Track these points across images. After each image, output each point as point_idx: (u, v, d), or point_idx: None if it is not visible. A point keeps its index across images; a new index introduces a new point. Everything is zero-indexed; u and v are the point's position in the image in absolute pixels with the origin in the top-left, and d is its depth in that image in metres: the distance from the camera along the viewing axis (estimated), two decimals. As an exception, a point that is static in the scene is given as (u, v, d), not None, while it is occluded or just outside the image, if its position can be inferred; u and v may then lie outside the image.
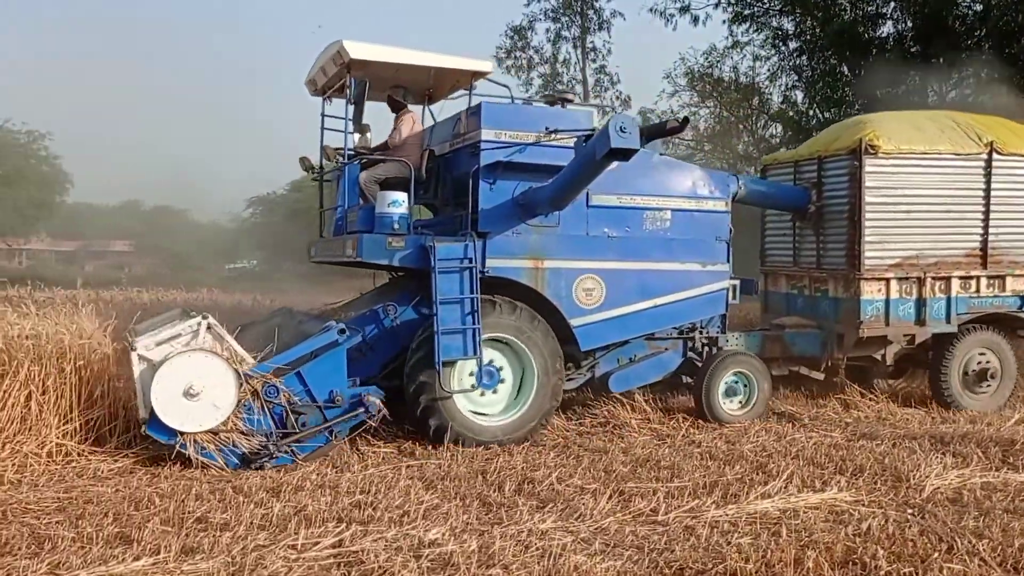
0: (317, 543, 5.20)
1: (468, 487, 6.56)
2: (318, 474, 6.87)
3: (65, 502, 6.04)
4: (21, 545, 5.12)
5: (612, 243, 8.87)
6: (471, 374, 8.09)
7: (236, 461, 7.05)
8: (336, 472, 6.97)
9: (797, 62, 23.27)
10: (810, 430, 8.82)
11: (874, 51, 20.79)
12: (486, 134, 8.34)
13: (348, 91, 8.62)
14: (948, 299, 10.00)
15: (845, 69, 21.80)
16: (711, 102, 30.18)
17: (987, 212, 10.16)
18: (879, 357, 10.20)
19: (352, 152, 8.84)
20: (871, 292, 9.81)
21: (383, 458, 7.57)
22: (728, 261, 9.37)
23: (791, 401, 10.31)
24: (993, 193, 10.17)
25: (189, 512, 5.74)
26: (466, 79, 9.20)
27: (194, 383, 6.96)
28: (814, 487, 6.51)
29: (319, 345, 7.53)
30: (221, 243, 47.81)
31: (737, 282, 9.57)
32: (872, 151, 9.72)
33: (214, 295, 18.37)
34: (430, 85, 9.60)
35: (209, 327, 7.31)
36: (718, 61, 29.07)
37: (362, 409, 7.56)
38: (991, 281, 10.19)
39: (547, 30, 32.20)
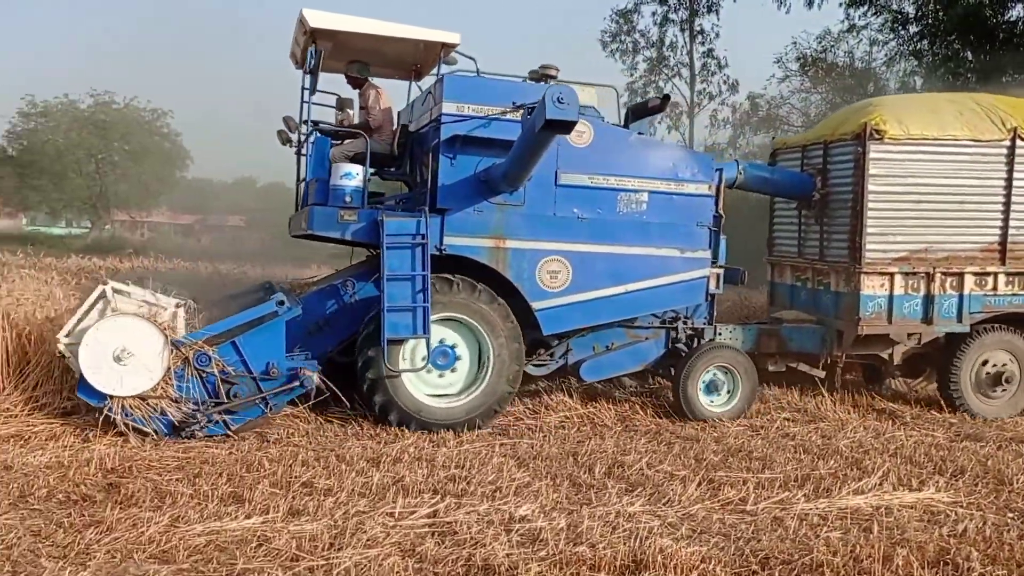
0: (413, 512, 5.46)
1: (559, 467, 6.72)
2: (415, 447, 7.15)
3: (184, 461, 6.48)
4: (145, 498, 5.54)
5: (581, 224, 8.45)
6: (423, 356, 7.94)
7: (166, 429, 7.09)
8: (432, 446, 7.23)
9: (917, 47, 22.33)
10: (911, 428, 8.63)
11: (1001, 36, 19.79)
12: (447, 107, 8.02)
13: (308, 61, 8.37)
14: (960, 297, 9.30)
15: (969, 55, 20.83)
16: (823, 88, 29.25)
17: (1008, 203, 9.29)
18: (886, 356, 9.70)
19: (313, 125, 8.61)
20: (872, 287, 9.20)
21: (478, 435, 7.80)
22: (709, 247, 8.86)
23: (891, 399, 10.07)
24: (1015, 183, 9.28)
25: (296, 477, 6.09)
26: (435, 51, 8.79)
27: (125, 347, 6.96)
28: (910, 486, 6.40)
29: (256, 316, 7.50)
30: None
31: (719, 271, 9.03)
32: (877, 136, 9.08)
33: (320, 270, 18.99)
34: (415, 59, 9.24)
35: (116, 291, 7.20)
36: (832, 45, 28.16)
37: (297, 383, 7.46)
38: (1010, 278, 9.41)
39: (653, 13, 31.79)
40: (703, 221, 8.83)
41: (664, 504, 5.84)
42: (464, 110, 8.00)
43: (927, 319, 9.31)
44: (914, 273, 9.23)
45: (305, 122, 8.54)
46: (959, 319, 9.37)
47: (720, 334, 9.34)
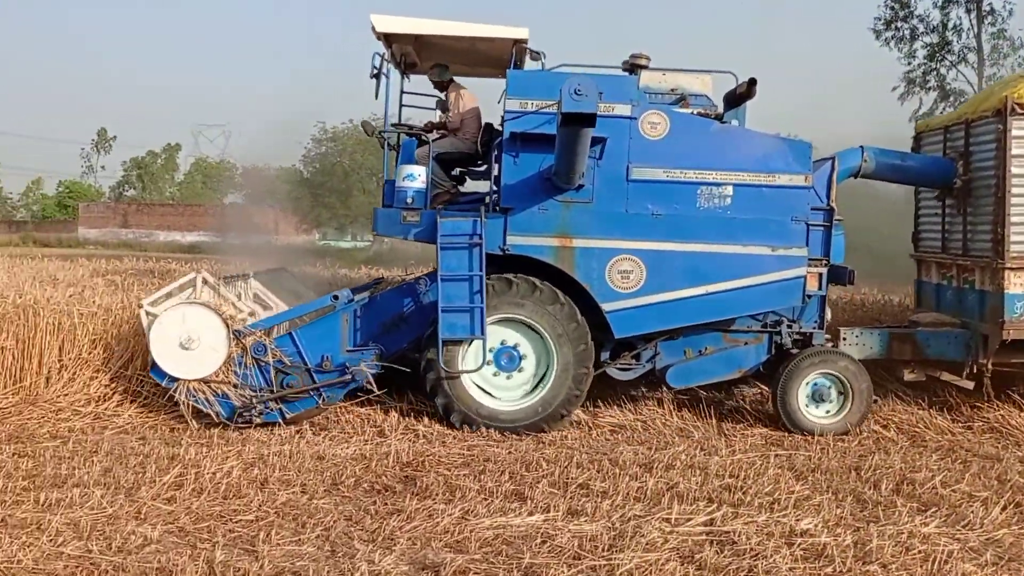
0: (689, 519, 5.46)
1: (841, 482, 6.43)
2: (687, 455, 7.12)
3: (468, 458, 6.92)
4: (437, 492, 5.99)
5: (656, 221, 7.89)
6: (488, 361, 7.84)
7: (226, 413, 7.50)
8: (704, 455, 7.18)
9: None
10: None
11: None
12: (510, 104, 7.79)
13: (383, 65, 8.27)
14: None
15: None
16: None
17: None
18: None
19: (392, 128, 8.58)
20: (1019, 285, 7.91)
21: (750, 444, 7.63)
22: (806, 244, 8.00)
23: None
24: None
25: (572, 478, 6.31)
26: (501, 48, 8.48)
27: (190, 334, 7.45)
28: None
29: (312, 309, 7.81)
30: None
31: (822, 270, 8.17)
32: (1021, 111, 7.78)
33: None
34: (494, 58, 8.79)
35: (204, 281, 7.75)
36: None
37: (349, 376, 7.65)
38: None
39: (935, -6, 29.29)
40: (799, 215, 8.01)
41: (963, 527, 5.41)
42: (527, 106, 7.72)
43: None
44: None
45: (369, 128, 8.63)
46: None
47: (844, 339, 8.53)
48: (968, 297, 8.70)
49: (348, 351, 7.90)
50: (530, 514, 5.53)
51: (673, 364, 8.33)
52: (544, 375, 7.92)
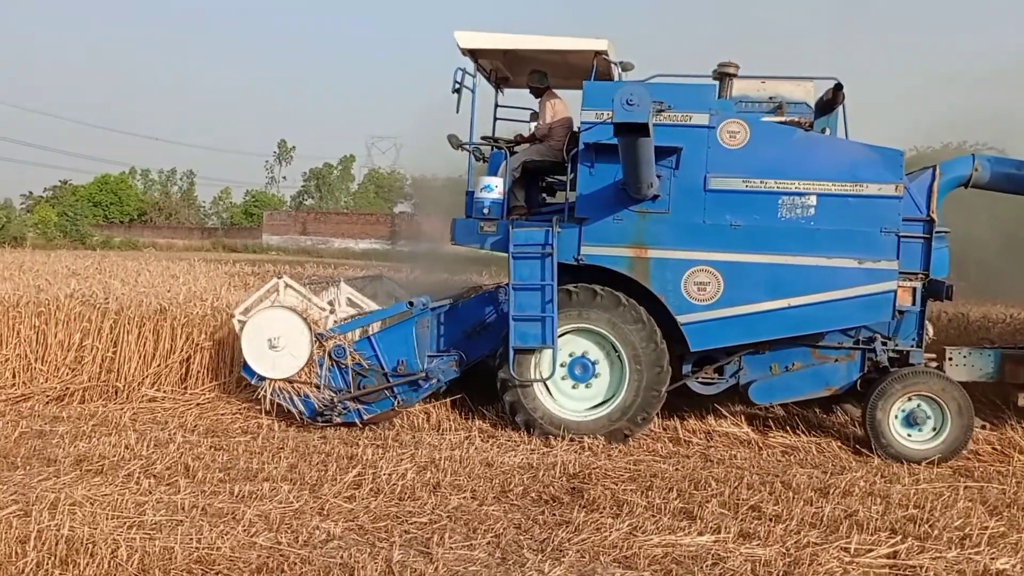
0: (871, 550, 5.21)
1: (1042, 519, 5.96)
2: (866, 480, 6.79)
3: (635, 473, 6.88)
4: (605, 505, 5.99)
5: (734, 232, 7.68)
6: (562, 365, 7.93)
7: (308, 412, 7.78)
8: (885, 482, 6.82)
9: None
10: None
11: None
12: (585, 115, 7.77)
13: (466, 80, 8.36)
14: None
15: None
16: None
17: None
18: None
19: (479, 143, 8.66)
20: None
21: (936, 474, 7.18)
22: (897, 257, 7.55)
23: None
24: None
25: (743, 500, 6.15)
26: (588, 59, 8.36)
27: (278, 336, 7.75)
28: None
29: (389, 314, 8.03)
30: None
31: (916, 284, 7.73)
32: None
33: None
34: (580, 69, 8.65)
35: (287, 285, 8.03)
36: None
37: (423, 380, 7.86)
38: None
39: None
40: (889, 226, 7.58)
41: None
42: (603, 116, 7.55)
43: None
44: None
45: (455, 141, 8.56)
46: None
47: (950, 359, 7.91)
48: None
49: (429, 355, 8.16)
50: (700, 534, 5.44)
51: (757, 379, 8.13)
52: (616, 390, 7.94)
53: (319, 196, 74.70)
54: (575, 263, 7.98)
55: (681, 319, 7.81)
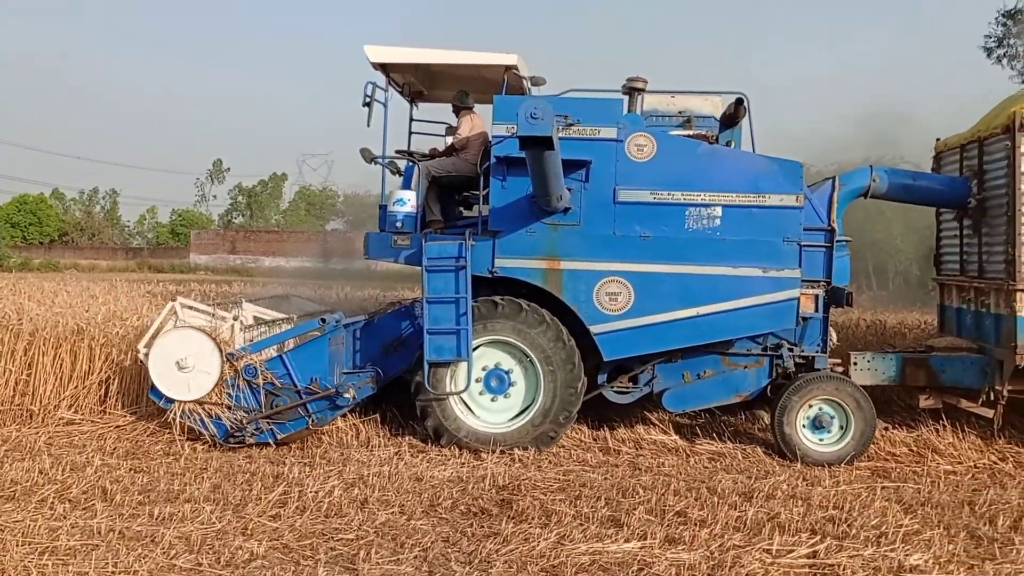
0: (791, 551, 5.32)
1: (953, 516, 6.18)
2: (788, 484, 6.94)
3: (564, 483, 6.90)
4: (533, 516, 5.99)
5: (644, 243, 7.87)
6: (477, 380, 7.98)
7: (220, 434, 7.66)
8: (807, 485, 6.98)
9: None
10: None
11: None
12: (496, 129, 7.87)
13: (377, 94, 8.35)
14: None
15: None
16: None
17: None
18: None
19: (393, 156, 8.69)
20: None
21: (855, 476, 7.39)
22: (799, 265, 7.83)
23: None
24: None
25: (670, 506, 6.22)
26: (499, 74, 8.47)
27: (186, 357, 7.62)
28: None
29: (300, 332, 7.94)
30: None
31: (818, 292, 8.02)
32: None
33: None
34: (492, 84, 8.72)
35: (184, 306, 7.96)
36: None
37: (336, 397, 7.80)
38: None
39: (1052, 7, 27.97)
40: (791, 236, 7.85)
41: (1089, 568, 5.10)
42: (512, 130, 7.56)
43: None
44: None
45: (367, 155, 8.62)
46: None
47: (855, 363, 8.22)
48: (985, 321, 8.35)
49: (345, 372, 8.04)
50: (627, 541, 5.48)
51: (670, 387, 8.29)
52: (533, 397, 7.98)
53: (249, 214, 73.45)
54: (489, 275, 8.04)
55: (594, 329, 7.93)
